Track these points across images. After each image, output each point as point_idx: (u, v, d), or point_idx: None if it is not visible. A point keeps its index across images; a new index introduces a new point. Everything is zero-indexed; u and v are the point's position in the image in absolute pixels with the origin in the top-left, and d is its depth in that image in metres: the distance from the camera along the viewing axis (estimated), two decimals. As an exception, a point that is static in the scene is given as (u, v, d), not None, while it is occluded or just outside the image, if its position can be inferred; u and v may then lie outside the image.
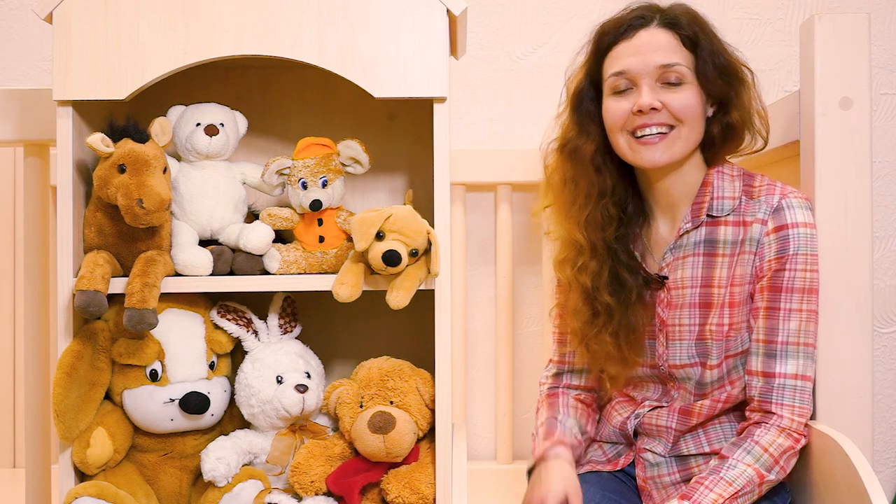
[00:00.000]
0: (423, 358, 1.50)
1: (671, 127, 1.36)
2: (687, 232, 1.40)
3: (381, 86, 1.39)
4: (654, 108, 1.34)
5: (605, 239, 1.42)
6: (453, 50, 1.51)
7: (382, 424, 1.38)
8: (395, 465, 1.42)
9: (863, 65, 1.38)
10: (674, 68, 1.35)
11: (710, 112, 1.41)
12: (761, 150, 1.43)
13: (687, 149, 1.37)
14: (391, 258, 1.35)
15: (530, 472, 1.46)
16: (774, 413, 1.34)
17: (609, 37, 1.40)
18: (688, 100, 1.35)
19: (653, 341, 1.43)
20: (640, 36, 1.37)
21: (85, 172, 1.44)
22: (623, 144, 1.39)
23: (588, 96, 1.44)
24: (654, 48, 1.35)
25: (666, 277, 1.41)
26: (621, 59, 1.37)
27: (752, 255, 1.36)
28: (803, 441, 1.35)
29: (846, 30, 1.38)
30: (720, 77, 1.37)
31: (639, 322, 1.41)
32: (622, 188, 1.45)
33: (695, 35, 1.37)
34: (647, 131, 1.36)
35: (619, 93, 1.38)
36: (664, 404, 1.44)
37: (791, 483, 1.41)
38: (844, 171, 1.38)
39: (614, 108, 1.38)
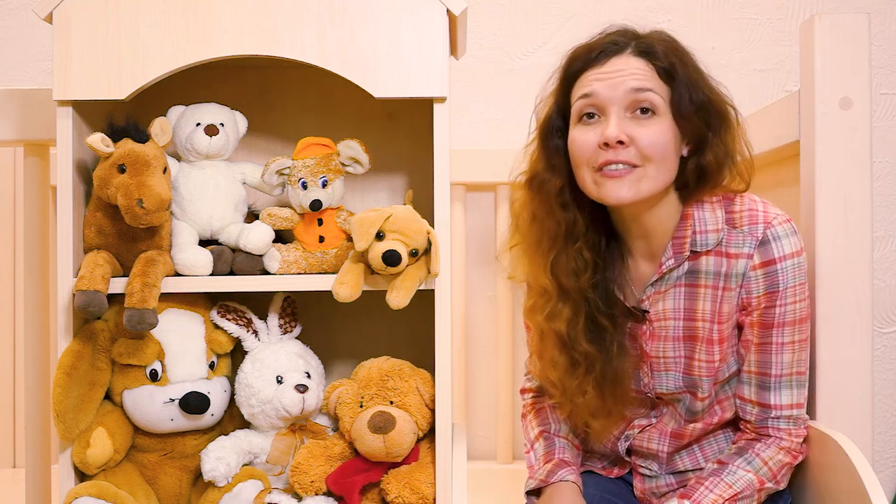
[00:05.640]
0: (423, 358, 1.50)
1: (636, 166, 1.24)
2: (670, 270, 1.32)
3: (381, 86, 1.39)
4: (620, 142, 1.23)
5: (579, 286, 1.32)
6: (453, 50, 1.51)
7: (382, 424, 1.38)
8: (395, 465, 1.42)
9: (863, 65, 1.38)
10: (645, 94, 1.24)
11: (685, 151, 1.30)
12: (742, 191, 1.34)
13: (655, 188, 1.26)
14: (391, 258, 1.35)
15: (529, 494, 1.43)
16: (773, 436, 1.33)
17: (579, 62, 1.29)
18: (657, 136, 1.24)
19: (637, 371, 1.37)
20: (612, 62, 1.26)
21: (85, 172, 1.44)
22: (588, 180, 1.27)
23: (556, 127, 1.33)
24: (626, 74, 1.24)
25: (647, 311, 1.35)
26: (589, 84, 1.27)
27: (738, 288, 1.30)
28: (801, 458, 1.35)
29: (846, 30, 1.38)
30: (697, 113, 1.26)
31: (624, 373, 1.33)
32: (595, 231, 1.34)
33: (671, 66, 1.26)
34: (613, 167, 1.24)
35: (585, 122, 1.27)
36: (653, 420, 1.40)
37: (791, 484, 1.41)
38: (844, 171, 1.38)
39: (579, 140, 1.27)
